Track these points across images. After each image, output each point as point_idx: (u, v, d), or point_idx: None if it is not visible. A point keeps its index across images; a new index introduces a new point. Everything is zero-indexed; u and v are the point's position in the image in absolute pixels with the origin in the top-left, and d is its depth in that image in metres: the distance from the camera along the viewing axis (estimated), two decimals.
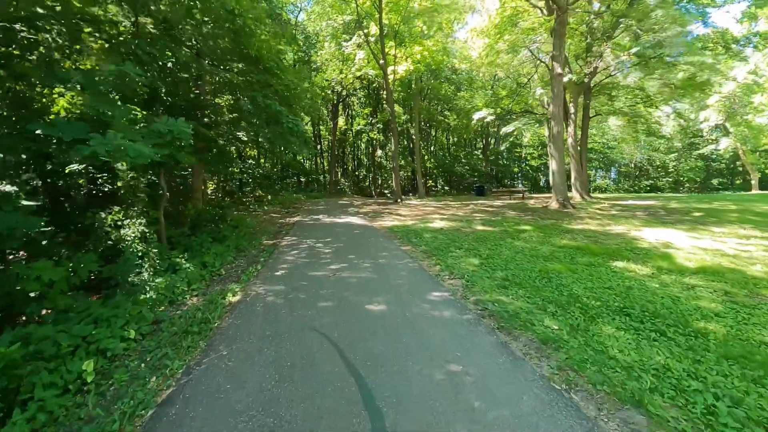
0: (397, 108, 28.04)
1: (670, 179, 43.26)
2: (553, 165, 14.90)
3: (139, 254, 4.84)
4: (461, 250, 6.73)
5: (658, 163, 44.85)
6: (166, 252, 5.56)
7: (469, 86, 30.89)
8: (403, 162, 31.29)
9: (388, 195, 31.89)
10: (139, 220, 5.24)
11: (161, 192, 6.05)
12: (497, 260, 5.95)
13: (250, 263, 6.17)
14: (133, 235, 5.09)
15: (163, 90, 5.79)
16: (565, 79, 16.09)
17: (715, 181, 42.07)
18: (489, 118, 21.99)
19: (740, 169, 41.46)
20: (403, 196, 22.02)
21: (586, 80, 19.57)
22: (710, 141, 39.55)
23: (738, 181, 42.34)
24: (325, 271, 5.34)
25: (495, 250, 6.72)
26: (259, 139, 8.49)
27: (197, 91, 7.50)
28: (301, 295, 4.26)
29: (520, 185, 42.16)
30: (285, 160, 29.26)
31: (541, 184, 42.54)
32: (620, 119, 26.24)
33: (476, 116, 22.07)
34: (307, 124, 33.83)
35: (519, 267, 5.55)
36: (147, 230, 5.24)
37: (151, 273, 4.69)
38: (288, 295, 4.24)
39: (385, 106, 34.98)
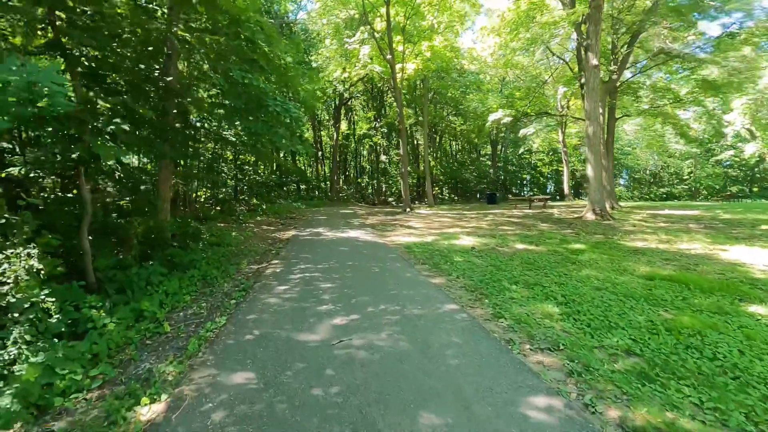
0: (405, 110, 26.22)
1: (686, 186, 41.26)
2: (588, 170, 12.95)
3: (11, 312, 2.87)
4: (519, 286, 4.73)
5: (672, 170, 42.99)
6: (81, 297, 3.57)
7: (477, 89, 29.18)
8: (409, 168, 29.38)
9: (393, 203, 29.94)
10: (27, 250, 3.27)
11: (84, 206, 4.08)
12: (585, 306, 3.94)
13: (213, 310, 4.16)
14: (14, 274, 3.11)
15: (86, 51, 3.86)
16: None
17: (734, 188, 40.00)
18: (506, 120, 20.09)
19: (758, 176, 39.62)
20: (411, 205, 20.02)
21: (614, 77, 17.75)
22: (727, 147, 37.90)
23: (755, 189, 40.28)
24: (325, 332, 3.33)
25: (566, 286, 4.71)
26: (239, 130, 6.54)
27: (155, 68, 5.57)
28: (280, 401, 2.24)
29: (529, 193, 40.21)
30: (285, 166, 27.38)
31: (547, 191, 40.48)
32: (647, 121, 24.42)
33: (492, 117, 20.21)
34: (306, 129, 32.02)
35: (627, 320, 3.54)
36: (40, 265, 3.26)
37: (24, 346, 2.70)
38: (253, 404, 2.22)
39: (390, 108, 33.24)
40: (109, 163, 8.92)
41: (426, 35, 19.38)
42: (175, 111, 5.81)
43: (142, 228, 5.28)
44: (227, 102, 5.30)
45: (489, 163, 37.73)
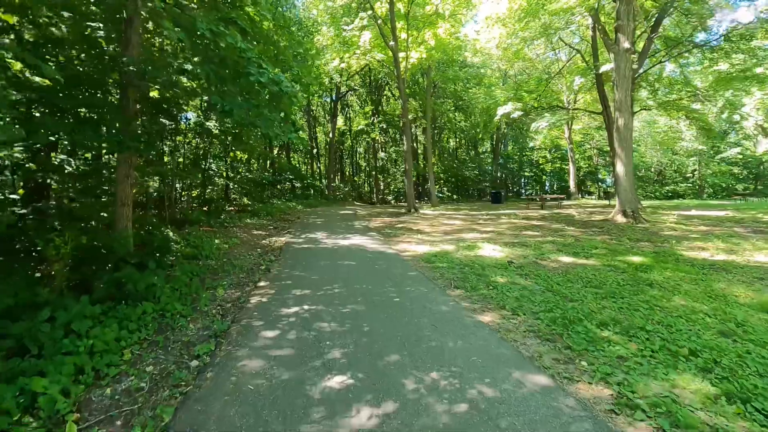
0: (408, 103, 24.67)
1: (690, 185, 40.29)
2: (618, 167, 11.58)
3: None
4: (612, 331, 3.28)
5: (675, 168, 42.04)
6: None
7: (479, 83, 27.79)
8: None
9: (392, 202, 28.50)
10: None
11: None
12: (746, 376, 2.52)
13: (161, 381, 2.65)
14: None
15: None
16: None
17: (739, 186, 39.11)
18: (516, 114, 18.66)
19: (765, 173, 39.00)
20: (415, 205, 18.53)
21: (634, 67, 16.40)
22: (733, 144, 37.22)
23: (760, 187, 39.43)
24: None
25: (677, 329, 3.28)
26: (211, 104, 5.03)
27: (98, 26, 4.03)
28: None
29: (530, 191, 39.01)
30: (279, 163, 25.78)
31: (546, 188, 39.20)
32: (653, 116, 23.14)
33: (501, 111, 18.78)
34: (301, 124, 30.35)
35: None
36: None
37: None
38: None
39: (389, 103, 31.69)
40: (61, 156, 7.29)
41: (431, 20, 17.88)
42: (124, 83, 4.28)
43: (66, 249, 3.72)
44: (190, 68, 3.80)
45: (489, 160, 36.43)
